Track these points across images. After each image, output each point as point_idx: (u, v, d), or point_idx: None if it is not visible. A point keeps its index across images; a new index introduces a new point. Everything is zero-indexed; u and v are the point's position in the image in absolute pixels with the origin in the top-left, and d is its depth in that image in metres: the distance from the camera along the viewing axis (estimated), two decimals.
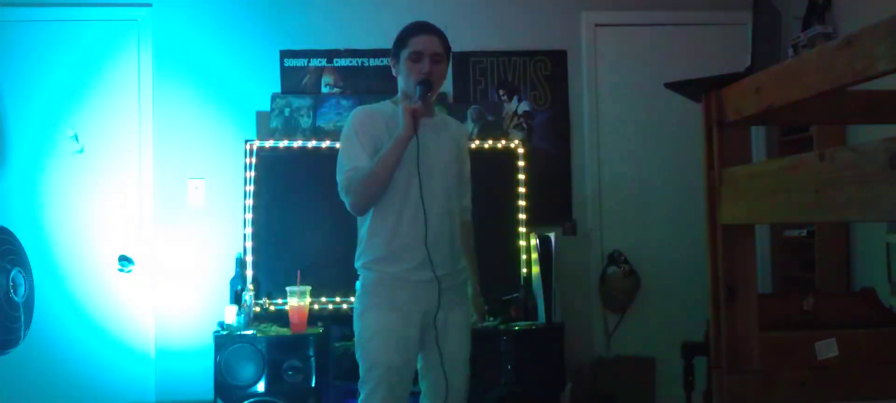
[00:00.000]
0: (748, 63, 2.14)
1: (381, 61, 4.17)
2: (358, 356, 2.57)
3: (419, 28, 2.62)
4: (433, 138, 2.59)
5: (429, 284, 2.50)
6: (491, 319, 3.69)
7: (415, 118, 2.43)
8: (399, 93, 2.65)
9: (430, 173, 2.54)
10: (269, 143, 3.92)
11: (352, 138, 2.55)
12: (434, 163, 2.57)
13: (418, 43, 2.57)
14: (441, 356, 2.52)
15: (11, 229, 3.79)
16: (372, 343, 2.51)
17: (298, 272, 3.63)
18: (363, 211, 2.55)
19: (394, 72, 2.66)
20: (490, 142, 4.02)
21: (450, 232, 2.60)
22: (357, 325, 2.58)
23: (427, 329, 2.54)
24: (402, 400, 2.53)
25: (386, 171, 2.45)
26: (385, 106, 2.65)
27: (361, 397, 2.53)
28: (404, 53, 2.59)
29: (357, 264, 2.63)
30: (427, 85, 2.53)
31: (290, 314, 3.62)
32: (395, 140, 2.44)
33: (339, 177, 2.54)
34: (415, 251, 2.50)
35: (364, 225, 2.61)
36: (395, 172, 2.49)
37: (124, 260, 4.10)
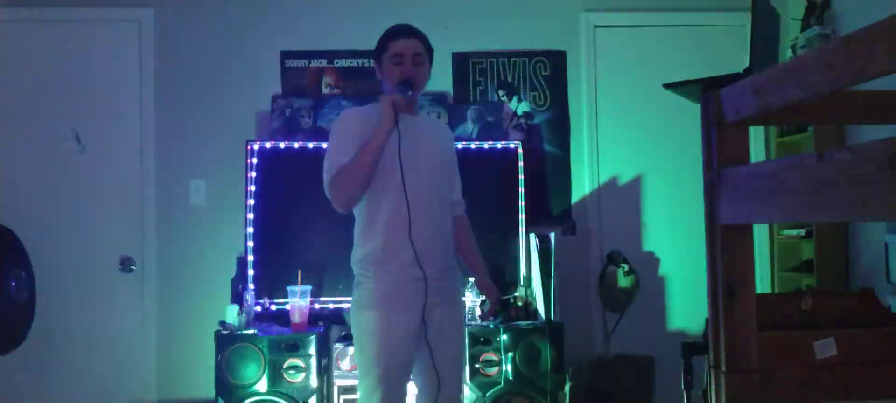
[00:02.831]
0: (747, 64, 2.15)
1: None
2: (356, 356, 2.58)
3: (399, 31, 2.65)
4: (418, 136, 2.60)
5: (422, 282, 2.51)
6: (491, 319, 3.71)
7: (394, 109, 2.45)
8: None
9: (417, 171, 2.55)
10: (270, 144, 3.93)
11: (339, 136, 2.57)
12: (421, 160, 2.58)
13: (399, 46, 2.60)
14: (432, 353, 2.53)
15: (13, 229, 3.80)
16: (370, 343, 2.52)
17: (299, 271, 3.65)
18: (346, 207, 2.55)
19: (378, 75, 2.69)
20: (490, 142, 4.03)
21: (441, 229, 2.61)
22: (354, 326, 2.60)
23: (425, 327, 2.55)
24: (400, 400, 2.55)
25: (366, 164, 2.46)
26: (373, 108, 2.66)
27: (360, 397, 2.55)
28: (385, 56, 2.62)
29: (353, 264, 2.64)
30: (407, 85, 2.55)
31: (290, 313, 3.64)
32: (375, 132, 2.46)
33: (324, 175, 2.55)
34: (407, 249, 2.50)
35: (358, 226, 2.62)
36: (385, 172, 2.50)
37: (126, 259, 4.12)
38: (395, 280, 2.52)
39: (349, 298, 2.67)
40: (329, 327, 3.74)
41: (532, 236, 3.91)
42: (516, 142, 4.08)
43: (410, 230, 2.49)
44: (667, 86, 2.38)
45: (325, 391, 3.66)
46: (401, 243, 2.51)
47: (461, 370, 2.68)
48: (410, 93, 2.57)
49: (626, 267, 4.25)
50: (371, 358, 2.51)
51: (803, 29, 3.94)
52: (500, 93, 4.29)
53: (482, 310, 3.65)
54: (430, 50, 2.68)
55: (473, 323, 3.64)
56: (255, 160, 3.89)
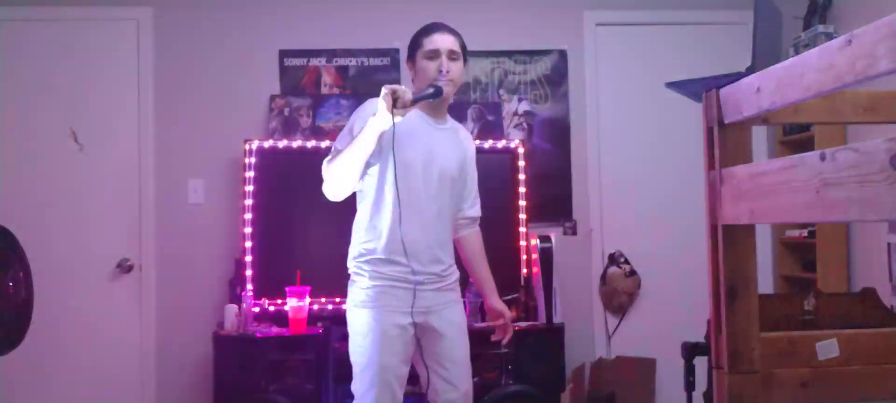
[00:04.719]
0: (749, 62, 2.13)
1: (381, 61, 4.17)
2: (351, 357, 2.56)
3: (433, 27, 2.63)
4: (436, 142, 2.58)
5: (419, 284, 2.49)
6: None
7: (393, 100, 2.32)
8: None
9: (426, 175, 2.54)
10: (268, 143, 3.92)
11: (351, 122, 2.53)
12: (433, 166, 2.56)
13: (434, 41, 2.57)
14: (428, 354, 2.52)
15: (10, 229, 3.78)
16: (365, 343, 2.50)
17: (297, 272, 3.63)
18: (334, 195, 2.50)
19: (411, 74, 2.66)
20: (490, 141, 4.01)
21: (442, 233, 2.59)
22: (350, 325, 2.57)
23: (423, 330, 2.53)
24: (395, 399, 2.53)
25: (353, 155, 2.40)
26: None
27: (356, 396, 2.53)
28: (419, 53, 2.59)
29: (349, 263, 2.62)
30: (439, 90, 2.51)
31: (289, 314, 3.62)
32: (368, 124, 2.38)
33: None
34: (402, 252, 2.48)
35: (359, 222, 2.60)
36: (389, 172, 2.47)
37: (124, 259, 4.10)
38: (394, 280, 2.51)
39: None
40: (327, 328, 3.72)
41: (533, 236, 3.89)
42: (517, 141, 4.06)
43: (402, 231, 2.46)
44: (668, 85, 2.37)
45: (323, 392, 3.64)
46: (399, 245, 2.48)
47: (469, 369, 2.65)
48: (434, 95, 2.50)
49: (627, 268, 4.23)
50: (366, 357, 2.50)
51: (805, 28, 3.92)
52: (501, 92, 4.28)
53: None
54: (464, 47, 2.64)
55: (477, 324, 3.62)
56: (253, 159, 3.88)
